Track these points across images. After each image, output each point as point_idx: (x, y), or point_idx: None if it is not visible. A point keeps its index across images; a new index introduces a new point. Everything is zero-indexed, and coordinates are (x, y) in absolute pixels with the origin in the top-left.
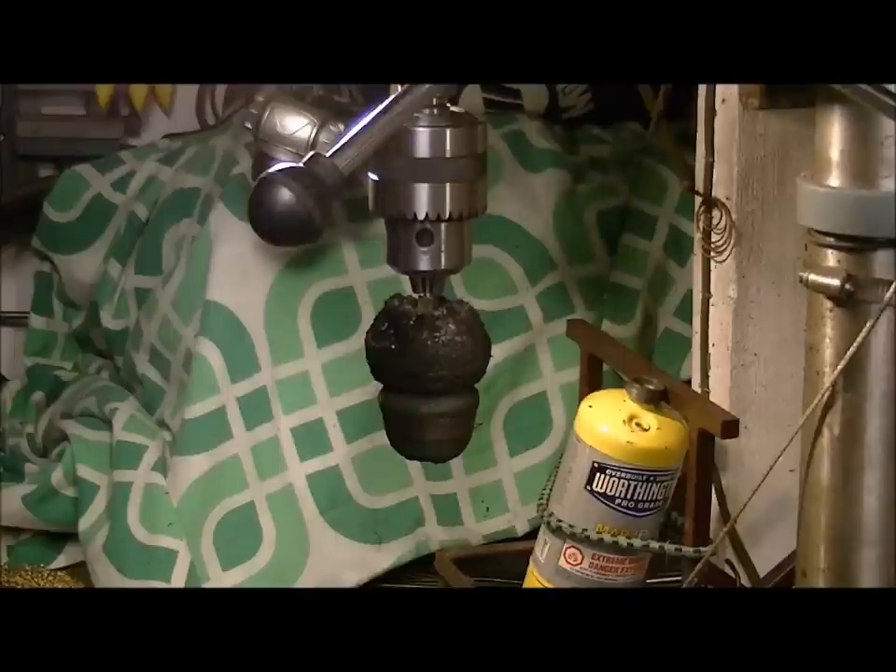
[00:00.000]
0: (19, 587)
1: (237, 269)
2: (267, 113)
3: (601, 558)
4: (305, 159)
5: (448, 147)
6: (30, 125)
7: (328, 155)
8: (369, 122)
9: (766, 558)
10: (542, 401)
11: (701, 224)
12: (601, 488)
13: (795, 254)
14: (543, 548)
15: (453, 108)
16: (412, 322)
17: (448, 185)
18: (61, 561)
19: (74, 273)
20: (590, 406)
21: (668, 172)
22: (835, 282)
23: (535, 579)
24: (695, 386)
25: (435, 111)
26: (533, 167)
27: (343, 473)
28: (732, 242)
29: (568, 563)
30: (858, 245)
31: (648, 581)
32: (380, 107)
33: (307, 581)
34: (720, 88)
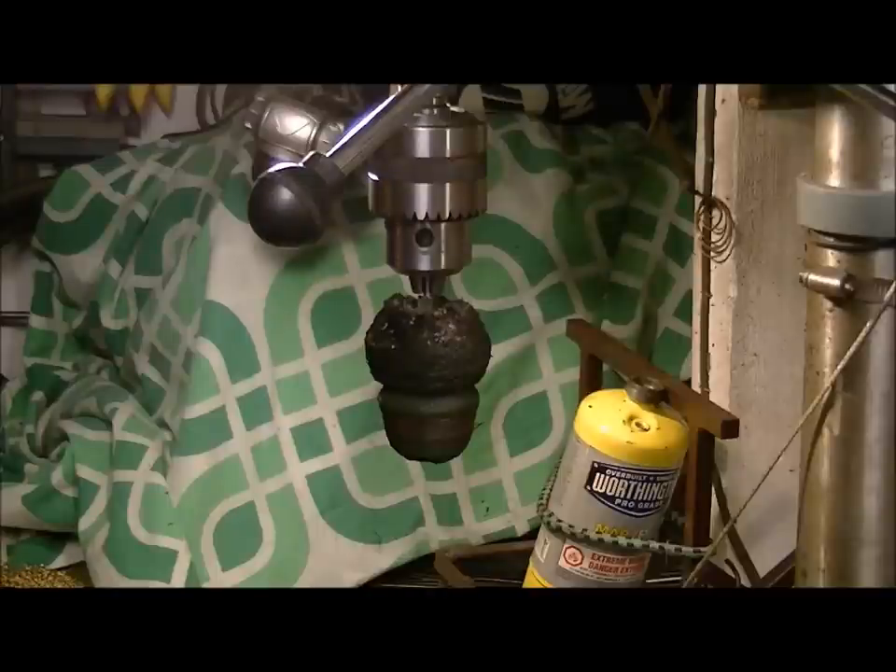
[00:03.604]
0: (19, 587)
1: (237, 269)
2: (267, 113)
3: (601, 558)
4: (305, 159)
5: (448, 147)
6: (30, 125)
7: (328, 155)
8: (369, 122)
9: (766, 558)
10: (542, 401)
11: (701, 224)
12: (601, 488)
13: (795, 254)
14: (543, 548)
15: (453, 108)
16: (412, 322)
17: (448, 185)
18: (61, 561)
19: (74, 273)
20: (590, 406)
21: (668, 172)
22: (835, 282)
23: (535, 579)
24: (695, 386)
25: (435, 111)
26: (533, 167)
27: (343, 473)
28: (732, 242)
29: (568, 563)
30: (858, 245)
31: (648, 580)
32: (380, 107)
33: (307, 581)
34: (720, 88)
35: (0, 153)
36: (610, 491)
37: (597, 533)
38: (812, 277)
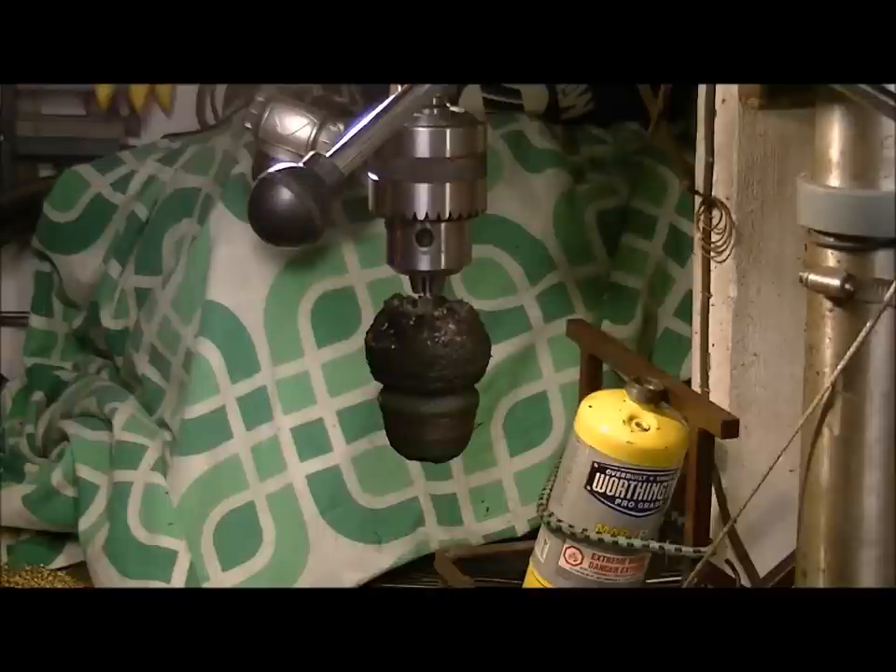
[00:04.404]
0: (19, 587)
1: (237, 269)
2: (267, 113)
3: (601, 558)
4: (305, 159)
5: (448, 147)
6: (30, 125)
7: (328, 155)
8: (369, 122)
9: (766, 558)
10: (542, 401)
11: (701, 224)
12: (601, 488)
13: (795, 254)
14: (543, 548)
15: (453, 108)
16: (412, 322)
17: (448, 185)
18: (61, 561)
19: (74, 273)
20: (590, 406)
21: (668, 172)
22: (835, 282)
23: (535, 579)
24: (695, 386)
25: (435, 111)
26: (533, 167)
27: (342, 473)
28: (732, 242)
29: (568, 563)
30: (858, 245)
31: (648, 580)
32: (380, 107)
33: (307, 581)
34: (720, 88)
35: (0, 153)
36: (610, 491)
37: (597, 533)
38: (812, 277)
